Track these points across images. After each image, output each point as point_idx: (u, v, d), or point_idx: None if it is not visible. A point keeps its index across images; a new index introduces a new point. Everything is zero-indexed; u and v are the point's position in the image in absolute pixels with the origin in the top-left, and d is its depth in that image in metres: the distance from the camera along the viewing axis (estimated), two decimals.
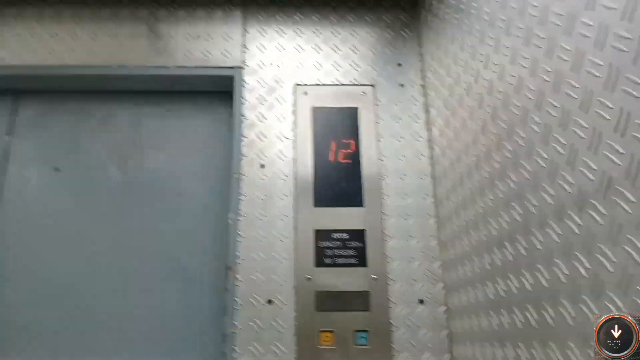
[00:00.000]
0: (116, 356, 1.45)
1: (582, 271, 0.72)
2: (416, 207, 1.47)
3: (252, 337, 1.34)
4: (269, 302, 1.37)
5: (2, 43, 1.61)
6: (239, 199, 1.46)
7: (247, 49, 1.63)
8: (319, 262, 1.40)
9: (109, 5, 1.66)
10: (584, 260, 0.72)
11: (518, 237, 0.93)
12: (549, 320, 0.82)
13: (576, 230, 0.74)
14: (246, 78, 1.60)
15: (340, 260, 1.40)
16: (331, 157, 1.50)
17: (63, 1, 1.66)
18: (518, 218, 0.93)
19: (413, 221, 1.45)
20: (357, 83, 1.59)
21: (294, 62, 1.62)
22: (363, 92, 1.58)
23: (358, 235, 1.42)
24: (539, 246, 0.85)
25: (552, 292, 0.81)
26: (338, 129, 1.54)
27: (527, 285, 0.89)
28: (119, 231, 1.58)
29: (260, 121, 1.55)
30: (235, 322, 1.34)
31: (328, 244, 1.42)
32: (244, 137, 1.53)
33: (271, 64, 1.61)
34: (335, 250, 1.41)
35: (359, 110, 1.55)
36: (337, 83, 1.59)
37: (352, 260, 1.40)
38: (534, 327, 0.87)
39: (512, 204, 0.96)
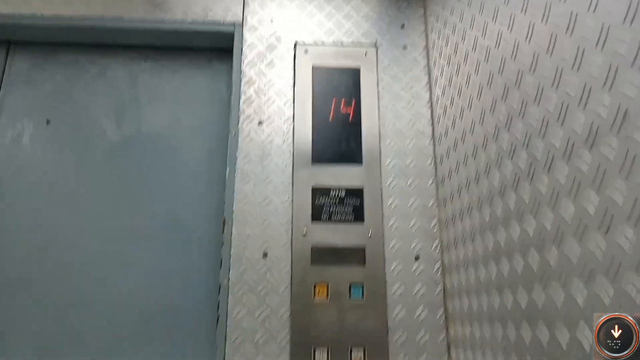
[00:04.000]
0: (112, 308, 1.44)
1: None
2: (415, 167, 1.47)
3: (246, 289, 1.33)
4: (264, 255, 1.36)
5: None
6: (236, 156, 1.45)
7: (248, 5, 1.60)
8: (316, 218, 1.39)
9: None
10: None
11: (519, 187, 0.93)
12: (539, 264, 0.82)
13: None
14: (246, 35, 1.57)
15: (336, 217, 1.40)
16: (331, 116, 1.49)
17: None
18: (521, 166, 0.93)
19: (411, 180, 1.45)
20: (359, 43, 1.57)
21: (295, 20, 1.59)
22: (365, 52, 1.56)
23: (356, 192, 1.42)
24: (543, 191, 0.86)
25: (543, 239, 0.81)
26: (339, 88, 1.52)
27: (521, 235, 0.90)
28: (113, 186, 1.55)
29: (260, 78, 1.53)
30: (230, 275, 1.34)
31: (325, 200, 1.41)
32: (243, 93, 1.51)
33: (272, 21, 1.59)
34: (332, 207, 1.40)
35: (360, 71, 1.54)
36: (339, 43, 1.57)
37: (349, 217, 1.40)
38: (529, 270, 0.88)
39: (517, 153, 0.96)
